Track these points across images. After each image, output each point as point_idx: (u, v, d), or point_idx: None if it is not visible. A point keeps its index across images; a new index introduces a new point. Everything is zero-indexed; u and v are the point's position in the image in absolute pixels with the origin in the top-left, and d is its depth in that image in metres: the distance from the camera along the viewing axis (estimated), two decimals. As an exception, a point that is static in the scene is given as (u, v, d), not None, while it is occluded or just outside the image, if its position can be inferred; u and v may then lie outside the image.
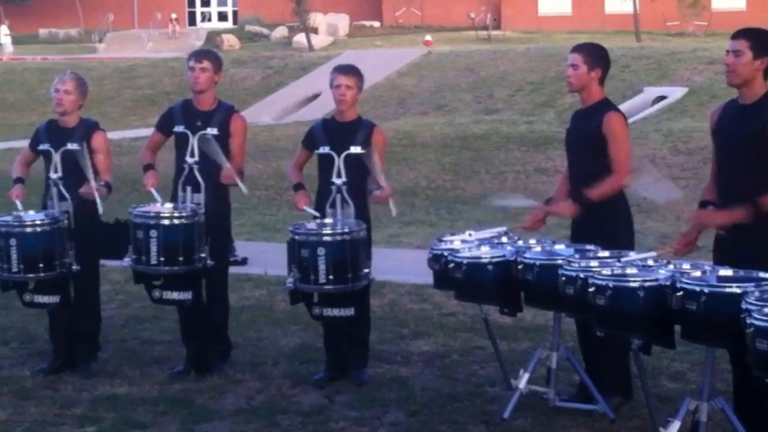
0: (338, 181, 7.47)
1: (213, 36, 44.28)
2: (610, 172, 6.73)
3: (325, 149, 7.53)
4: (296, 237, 7.22)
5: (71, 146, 7.69)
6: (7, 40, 39.95)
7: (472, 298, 6.98)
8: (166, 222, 7.41)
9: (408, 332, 8.75)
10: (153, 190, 7.68)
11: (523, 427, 6.55)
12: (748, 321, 5.02)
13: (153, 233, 7.36)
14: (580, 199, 6.73)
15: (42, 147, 7.83)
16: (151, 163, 7.86)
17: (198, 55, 7.84)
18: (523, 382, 6.73)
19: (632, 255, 6.20)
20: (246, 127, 7.92)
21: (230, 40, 41.90)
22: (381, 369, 7.79)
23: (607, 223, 6.70)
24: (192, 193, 7.67)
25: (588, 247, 6.56)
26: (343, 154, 7.47)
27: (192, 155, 7.66)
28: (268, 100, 28.86)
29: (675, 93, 23.33)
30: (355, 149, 7.47)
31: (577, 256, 6.37)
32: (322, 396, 7.23)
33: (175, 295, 7.56)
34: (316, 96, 26.49)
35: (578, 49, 6.93)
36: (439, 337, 8.57)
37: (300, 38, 37.77)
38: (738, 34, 5.96)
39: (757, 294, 5.23)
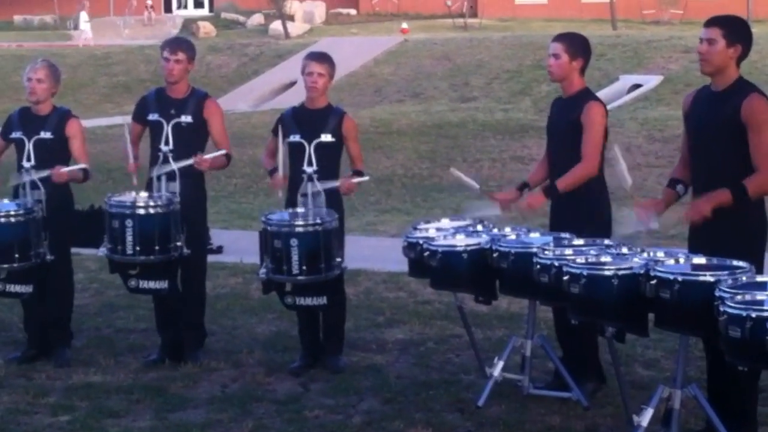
0: (309, 170, 7.46)
1: (189, 23, 44.08)
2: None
3: (295, 137, 7.51)
4: (269, 228, 7.21)
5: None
6: (86, 26, 39.93)
7: (447, 286, 6.98)
8: (142, 211, 7.39)
9: (383, 320, 8.76)
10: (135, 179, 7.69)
11: (497, 414, 6.57)
12: (721, 309, 5.04)
13: (129, 222, 7.35)
14: (551, 188, 6.73)
15: (14, 135, 7.78)
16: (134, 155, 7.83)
17: (172, 45, 7.80)
18: (497, 369, 6.75)
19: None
20: (221, 111, 7.91)
21: (206, 28, 41.72)
22: (356, 357, 7.79)
23: (584, 210, 6.71)
24: (167, 181, 7.65)
25: (563, 235, 6.58)
26: (314, 142, 7.46)
27: (167, 143, 7.63)
28: (244, 87, 28.77)
29: (650, 81, 23.38)
30: (326, 137, 7.46)
31: (551, 244, 6.38)
32: (297, 384, 7.23)
33: (151, 284, 7.54)
34: (292, 83, 26.42)
35: (560, 38, 6.93)
36: (414, 325, 8.58)
37: (276, 26, 37.66)
38: (711, 23, 5.97)
39: (729, 282, 5.26)
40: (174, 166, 7.54)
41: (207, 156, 7.55)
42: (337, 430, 6.42)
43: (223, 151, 7.67)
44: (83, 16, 40.13)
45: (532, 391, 6.84)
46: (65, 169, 7.57)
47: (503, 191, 7.40)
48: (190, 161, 7.50)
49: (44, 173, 7.57)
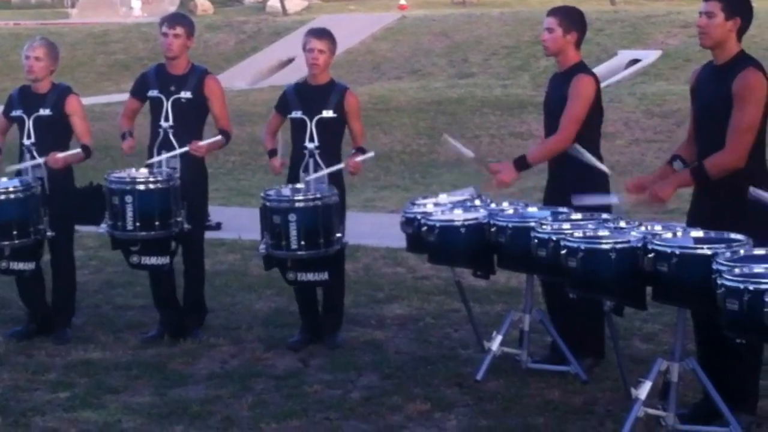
0: (311, 146, 7.46)
1: (186, 1, 43.93)
2: (590, 134, 6.72)
3: (297, 113, 7.51)
4: (268, 203, 7.22)
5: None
6: (137, 5, 39.95)
7: (446, 261, 6.99)
8: (142, 187, 7.40)
9: (382, 296, 8.77)
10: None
11: (496, 388, 6.59)
12: (719, 282, 5.05)
13: (128, 198, 7.37)
14: (518, 161, 6.73)
15: (15, 113, 7.78)
16: (128, 131, 7.83)
17: (171, 20, 7.79)
18: (495, 344, 6.77)
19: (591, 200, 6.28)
20: (221, 88, 7.91)
21: (204, 5, 41.55)
22: (355, 332, 7.81)
23: (581, 185, 6.68)
24: (168, 158, 7.64)
25: (561, 209, 6.58)
26: (315, 118, 7.45)
27: (167, 119, 7.63)
28: (242, 65, 28.68)
29: (649, 56, 23.29)
30: (327, 113, 7.45)
31: (549, 218, 6.38)
32: (296, 360, 7.25)
33: (153, 260, 7.56)
34: (290, 60, 26.33)
35: (554, 12, 6.91)
36: (413, 300, 8.59)
37: (274, 2, 37.51)
38: (710, -5, 5.95)
39: (727, 255, 5.26)
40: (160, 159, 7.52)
41: (203, 143, 7.55)
42: (336, 405, 6.44)
43: (218, 137, 7.65)
44: None
45: (531, 365, 6.85)
46: (61, 155, 7.56)
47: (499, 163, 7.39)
48: (185, 149, 7.50)
49: (39, 161, 7.56)
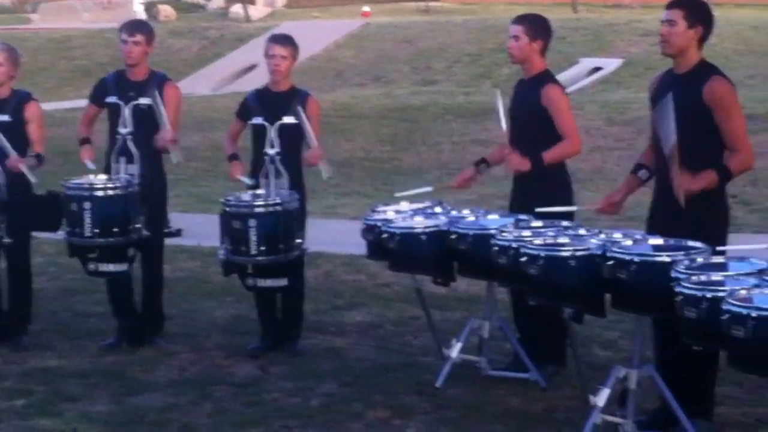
0: (271, 152, 7.44)
1: (149, 6, 43.75)
2: (554, 142, 6.73)
3: (258, 120, 7.50)
4: (228, 209, 7.19)
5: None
6: (140, 8, 39.75)
7: (406, 268, 6.98)
8: (100, 193, 7.35)
9: (343, 303, 8.75)
10: (89, 163, 7.64)
11: (455, 396, 6.58)
12: (677, 289, 5.06)
13: (87, 205, 7.32)
14: (535, 158, 6.71)
15: None
16: (86, 137, 7.79)
17: (130, 28, 7.74)
18: (455, 351, 6.76)
19: (554, 208, 6.26)
20: (180, 96, 7.86)
21: (167, 11, 41.42)
22: (315, 340, 7.78)
23: (546, 192, 6.70)
24: (126, 164, 7.60)
25: (521, 216, 6.59)
26: (277, 125, 7.44)
27: (125, 126, 7.58)
28: (204, 71, 28.60)
29: (611, 64, 23.42)
30: (289, 119, 7.44)
31: (510, 225, 6.38)
32: (256, 367, 7.22)
33: (110, 267, 7.51)
34: (253, 67, 26.27)
35: (520, 20, 6.93)
36: (373, 307, 8.58)
37: (237, 9, 37.45)
38: (672, 4, 5.99)
39: (686, 263, 5.28)
40: None
41: (22, 164, 7.45)
42: (295, 412, 6.41)
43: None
44: None
45: (491, 372, 6.85)
46: (21, 164, 7.48)
47: (461, 173, 7.38)
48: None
49: None
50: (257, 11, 37.00)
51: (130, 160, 7.60)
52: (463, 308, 8.37)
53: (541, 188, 6.73)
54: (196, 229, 11.38)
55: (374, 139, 18.43)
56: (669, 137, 5.68)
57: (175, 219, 11.29)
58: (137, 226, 7.44)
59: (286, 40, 7.60)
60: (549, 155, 6.71)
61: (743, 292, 4.82)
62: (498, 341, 7.16)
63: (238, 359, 7.36)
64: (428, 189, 6.78)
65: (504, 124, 6.83)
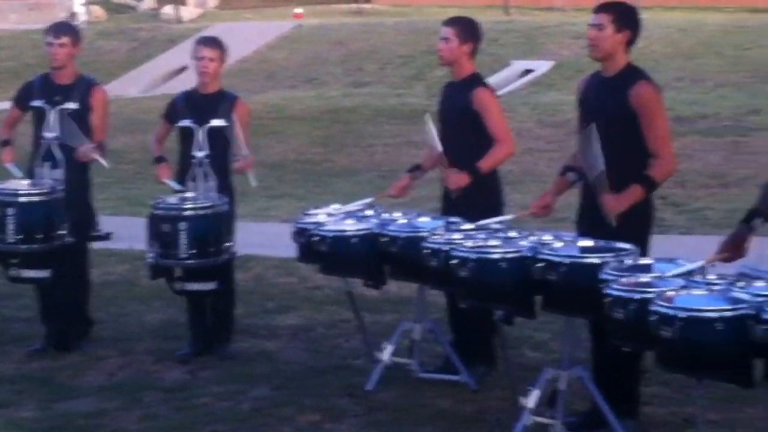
0: (200, 155, 7.40)
1: (78, 7, 43.25)
2: (486, 145, 6.74)
3: (186, 122, 7.45)
4: (157, 212, 7.14)
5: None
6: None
7: (337, 271, 6.96)
8: (24, 199, 7.26)
9: (274, 306, 8.71)
10: (10, 166, 7.54)
11: (387, 399, 6.57)
12: (606, 291, 5.09)
13: (10, 211, 7.20)
14: (471, 169, 6.70)
15: None
16: (8, 139, 7.69)
17: (55, 30, 7.65)
18: (386, 354, 6.76)
19: (489, 220, 6.26)
20: (107, 100, 7.79)
21: (96, 12, 41.03)
22: (246, 343, 7.74)
23: (477, 195, 6.71)
24: (51, 169, 7.50)
25: (452, 219, 6.59)
26: (205, 127, 7.39)
27: (50, 130, 7.49)
28: (134, 72, 28.37)
29: (542, 67, 23.58)
30: (217, 122, 7.39)
31: (440, 228, 6.38)
32: (186, 371, 7.16)
33: (32, 273, 7.41)
34: (184, 68, 26.11)
35: (450, 22, 6.94)
36: (304, 310, 8.54)
37: (168, 10, 37.19)
38: (600, 8, 6.03)
39: (614, 264, 5.32)
40: None
41: (95, 153, 7.41)
42: (226, 417, 6.36)
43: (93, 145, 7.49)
44: None
45: (422, 374, 6.85)
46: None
47: (396, 183, 7.35)
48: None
49: None
50: (188, 12, 36.75)
51: (54, 165, 7.50)
52: (395, 311, 8.36)
53: (471, 192, 6.72)
54: (125, 232, 11.23)
55: (306, 141, 18.39)
56: (595, 164, 5.73)
57: (105, 222, 11.19)
58: (61, 232, 7.35)
59: (213, 42, 7.57)
60: (485, 163, 6.71)
61: (671, 293, 4.86)
62: (429, 344, 7.16)
63: (168, 364, 7.29)
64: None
65: (439, 146, 6.79)
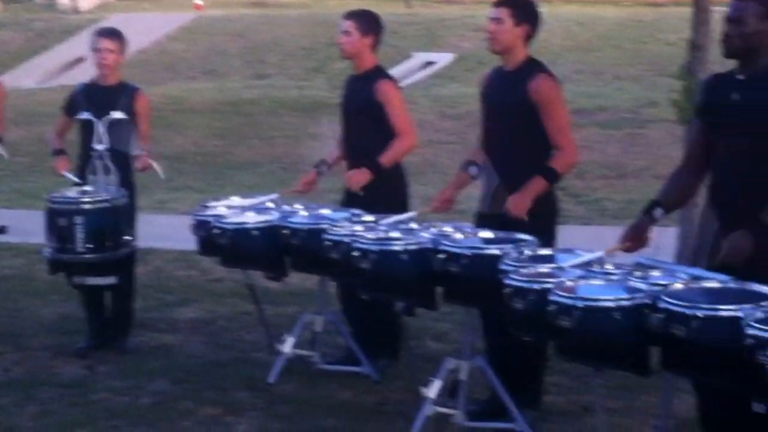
0: (99, 147, 7.29)
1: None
2: (389, 137, 6.73)
3: (85, 115, 7.34)
4: (53, 205, 7.02)
5: None
6: None
7: (238, 264, 6.91)
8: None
9: (174, 299, 8.62)
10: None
11: (288, 391, 6.54)
12: (506, 281, 5.11)
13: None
14: (372, 164, 6.68)
15: None
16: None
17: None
18: (288, 346, 6.73)
19: (392, 218, 6.25)
20: (4, 92, 7.63)
21: (-9, 1, 40.22)
22: (145, 337, 7.65)
23: (381, 188, 6.70)
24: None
25: (353, 211, 6.57)
26: (105, 120, 7.29)
27: None
28: (30, 63, 27.93)
29: (443, 59, 23.72)
30: (117, 114, 7.29)
31: (342, 220, 6.37)
32: (83, 366, 7.05)
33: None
34: (80, 60, 25.76)
35: (351, 15, 6.91)
36: (205, 303, 8.48)
37: (65, 0, 36.66)
38: (499, 3, 6.05)
39: (514, 255, 5.34)
40: None
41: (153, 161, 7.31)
42: (124, 412, 6.27)
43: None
44: None
45: (323, 366, 6.83)
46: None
47: (302, 178, 7.31)
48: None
49: None
50: (86, 2, 36.26)
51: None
52: (297, 303, 8.33)
53: (375, 184, 6.71)
54: (21, 225, 11.10)
55: (206, 133, 18.27)
56: (491, 181, 5.97)
57: (0, 215, 11.03)
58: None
59: (112, 34, 7.46)
60: (387, 158, 6.71)
61: (569, 283, 4.89)
62: (331, 335, 7.15)
63: (65, 359, 7.18)
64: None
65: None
